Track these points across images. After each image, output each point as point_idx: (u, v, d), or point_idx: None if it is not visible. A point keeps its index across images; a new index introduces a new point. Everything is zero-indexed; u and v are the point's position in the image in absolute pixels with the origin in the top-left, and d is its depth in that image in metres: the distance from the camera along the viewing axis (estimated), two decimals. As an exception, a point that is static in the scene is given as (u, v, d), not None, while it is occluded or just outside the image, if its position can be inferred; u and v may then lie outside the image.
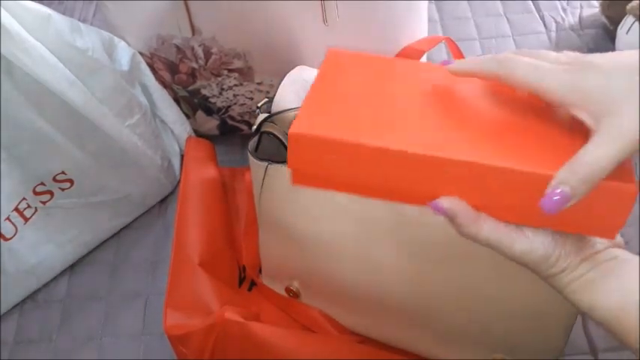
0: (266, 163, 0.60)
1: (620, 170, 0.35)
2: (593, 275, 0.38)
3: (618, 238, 0.41)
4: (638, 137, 0.34)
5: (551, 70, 0.37)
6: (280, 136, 0.59)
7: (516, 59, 0.38)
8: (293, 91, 0.60)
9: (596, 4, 0.97)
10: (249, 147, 0.62)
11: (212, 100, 0.82)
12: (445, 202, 0.39)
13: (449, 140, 0.39)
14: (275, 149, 0.60)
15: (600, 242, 0.40)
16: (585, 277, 0.39)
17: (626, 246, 0.45)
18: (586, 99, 0.35)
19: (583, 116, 0.36)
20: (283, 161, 0.58)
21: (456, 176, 0.38)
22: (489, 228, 0.39)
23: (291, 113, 0.58)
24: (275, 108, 0.60)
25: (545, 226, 0.39)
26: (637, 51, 0.36)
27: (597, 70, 0.36)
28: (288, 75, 0.62)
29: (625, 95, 0.34)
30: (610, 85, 0.35)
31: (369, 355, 0.63)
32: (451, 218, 0.39)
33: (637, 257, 0.40)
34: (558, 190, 0.35)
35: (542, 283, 0.40)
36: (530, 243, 0.39)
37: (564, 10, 0.99)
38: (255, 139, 0.62)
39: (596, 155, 0.34)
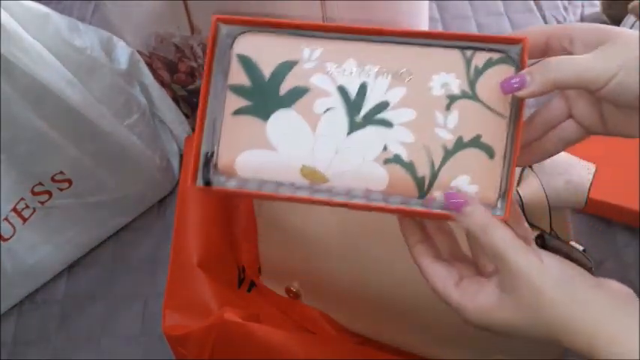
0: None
1: None
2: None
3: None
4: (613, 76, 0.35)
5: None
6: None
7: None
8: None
9: (597, 3, 0.97)
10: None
11: (211, 99, 0.82)
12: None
13: None
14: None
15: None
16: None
17: (627, 249, 0.45)
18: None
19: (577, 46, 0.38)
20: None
21: None
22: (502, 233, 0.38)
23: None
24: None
25: None
26: None
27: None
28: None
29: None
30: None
31: (368, 356, 0.63)
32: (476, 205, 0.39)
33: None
34: (517, 79, 0.37)
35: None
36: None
37: (565, 9, 0.99)
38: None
39: (572, 63, 0.36)
